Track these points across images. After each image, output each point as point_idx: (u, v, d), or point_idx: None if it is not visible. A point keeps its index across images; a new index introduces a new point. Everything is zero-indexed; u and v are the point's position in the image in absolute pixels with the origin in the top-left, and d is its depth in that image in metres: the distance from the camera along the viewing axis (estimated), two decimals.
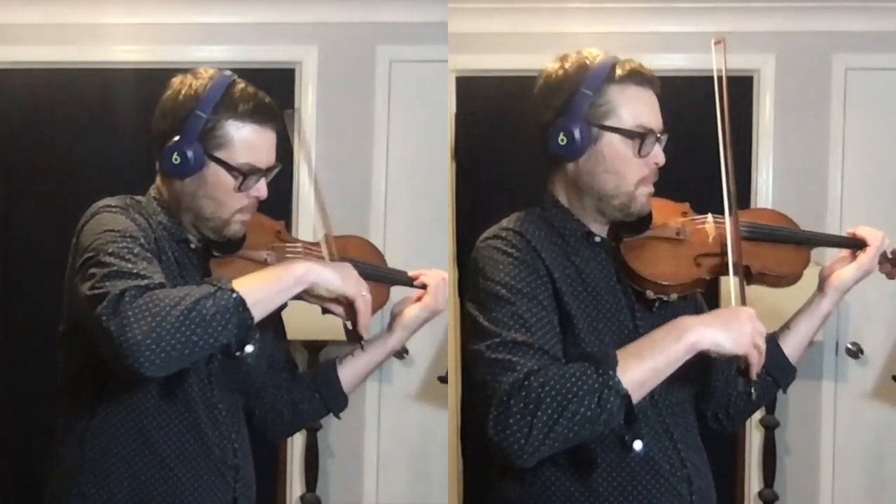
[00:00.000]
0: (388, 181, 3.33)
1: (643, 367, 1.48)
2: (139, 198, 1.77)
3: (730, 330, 1.52)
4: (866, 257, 1.80)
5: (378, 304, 1.83)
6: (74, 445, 1.70)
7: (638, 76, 1.65)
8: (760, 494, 3.34)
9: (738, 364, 1.58)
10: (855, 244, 1.82)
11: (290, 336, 1.97)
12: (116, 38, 3.30)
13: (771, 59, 3.35)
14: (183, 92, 1.71)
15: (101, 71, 3.27)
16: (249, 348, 1.56)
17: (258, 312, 1.56)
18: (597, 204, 1.68)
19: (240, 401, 1.83)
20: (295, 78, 3.33)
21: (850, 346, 3.35)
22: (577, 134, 1.63)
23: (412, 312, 1.88)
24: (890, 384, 3.29)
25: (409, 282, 1.90)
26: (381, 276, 1.87)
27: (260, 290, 1.57)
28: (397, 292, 1.91)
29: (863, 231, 1.82)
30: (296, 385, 1.92)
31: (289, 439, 3.29)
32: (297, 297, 1.65)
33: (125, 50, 3.29)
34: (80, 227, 1.67)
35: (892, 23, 3.31)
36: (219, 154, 1.69)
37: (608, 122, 1.64)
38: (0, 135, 3.29)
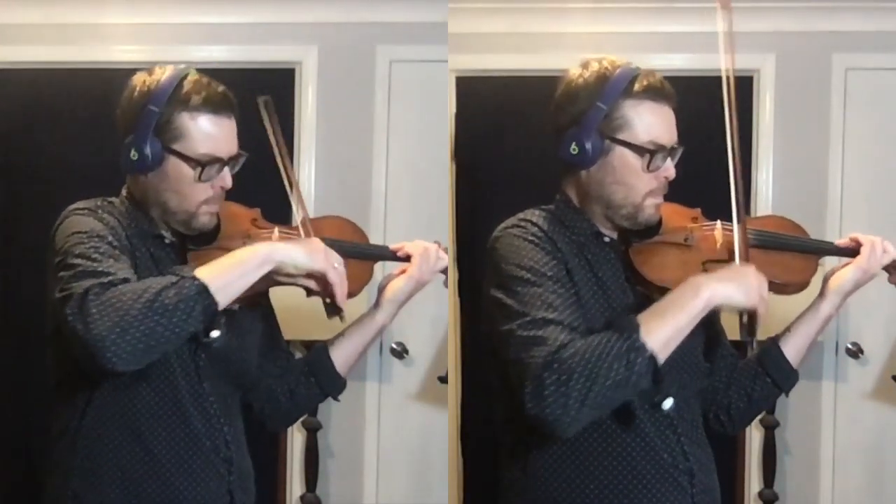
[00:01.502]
0: (388, 181, 3.33)
1: (666, 327, 1.52)
2: (112, 199, 1.79)
3: (740, 285, 1.57)
4: (863, 258, 1.82)
5: (361, 282, 1.84)
6: (67, 447, 1.71)
7: (654, 91, 1.68)
8: (760, 494, 3.34)
9: (742, 317, 1.61)
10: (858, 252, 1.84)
11: (289, 336, 1.96)
12: (116, 38, 3.30)
13: (771, 59, 3.34)
14: (138, 89, 1.74)
15: (101, 71, 3.25)
16: (215, 333, 1.56)
17: (223, 298, 1.55)
18: (605, 211, 1.72)
19: (235, 393, 1.82)
20: (295, 78, 3.32)
21: (850, 346, 3.34)
22: (588, 145, 1.66)
23: (397, 285, 1.89)
24: (890, 384, 3.29)
25: (391, 256, 1.90)
26: (362, 253, 1.86)
27: (223, 275, 1.57)
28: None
29: (862, 236, 1.84)
30: (290, 372, 1.92)
31: (289, 439, 3.30)
32: (269, 278, 1.63)
33: (125, 50, 3.29)
34: (52, 232, 1.69)
35: (892, 23, 3.31)
36: (176, 146, 1.71)
37: (620, 136, 1.67)
38: (0, 135, 3.29)
